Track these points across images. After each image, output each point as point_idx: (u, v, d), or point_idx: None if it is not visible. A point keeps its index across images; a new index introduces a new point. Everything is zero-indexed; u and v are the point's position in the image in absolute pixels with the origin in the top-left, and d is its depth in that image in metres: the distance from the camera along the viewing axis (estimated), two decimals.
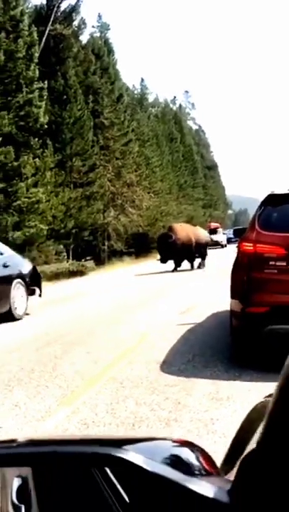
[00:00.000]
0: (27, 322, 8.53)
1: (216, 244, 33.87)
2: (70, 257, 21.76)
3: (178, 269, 17.63)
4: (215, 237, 35.13)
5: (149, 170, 32.48)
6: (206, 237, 19.64)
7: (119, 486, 0.70)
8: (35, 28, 19.41)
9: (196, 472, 0.68)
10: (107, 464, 0.70)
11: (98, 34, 30.20)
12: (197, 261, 18.44)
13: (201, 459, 0.71)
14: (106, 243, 25.63)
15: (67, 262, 20.71)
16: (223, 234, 36.87)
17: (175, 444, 0.78)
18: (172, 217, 35.87)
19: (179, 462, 0.69)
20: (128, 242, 26.72)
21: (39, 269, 17.73)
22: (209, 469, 0.69)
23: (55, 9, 23.87)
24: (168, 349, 5.67)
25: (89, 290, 13.70)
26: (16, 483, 0.86)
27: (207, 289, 10.88)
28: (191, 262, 18.19)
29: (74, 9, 25.01)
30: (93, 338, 6.60)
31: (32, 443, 0.84)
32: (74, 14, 25.09)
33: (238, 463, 0.58)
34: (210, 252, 26.98)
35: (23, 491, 0.82)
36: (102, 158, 25.33)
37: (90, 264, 20.95)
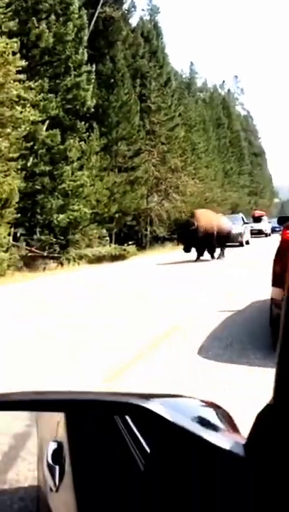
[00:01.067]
0: None
1: (260, 232, 33.21)
2: (113, 241, 21.89)
3: (201, 258, 17.07)
4: (259, 226, 34.37)
5: (195, 155, 32.16)
6: (229, 227, 18.83)
7: (138, 434, 0.74)
8: (85, 11, 19.41)
9: (215, 428, 0.70)
10: (132, 413, 0.74)
11: (148, 17, 29.91)
12: (217, 251, 17.68)
13: (222, 418, 0.74)
14: (148, 228, 25.62)
15: (110, 245, 20.85)
16: (269, 223, 36.08)
17: (200, 403, 0.80)
18: (216, 203, 35.47)
19: (200, 418, 0.71)
20: (170, 228, 26.60)
21: (81, 252, 18.10)
22: (229, 428, 0.71)
23: None
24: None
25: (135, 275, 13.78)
26: (52, 446, 0.92)
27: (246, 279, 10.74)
28: (212, 251, 17.42)
29: None
30: None
31: (65, 393, 0.90)
32: None
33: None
34: (252, 240, 26.74)
35: (57, 455, 0.88)
36: (148, 143, 25.22)
37: (132, 248, 21.01)
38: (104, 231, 21.27)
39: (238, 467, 0.57)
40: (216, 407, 0.79)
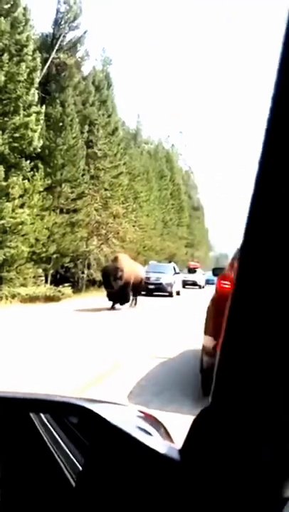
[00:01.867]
0: None
1: (194, 284, 33.34)
2: (48, 282, 21.60)
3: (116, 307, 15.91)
4: (193, 277, 34.65)
5: (137, 204, 32.74)
6: (142, 274, 18.08)
7: (77, 433, 0.75)
8: (39, 54, 19.82)
9: (151, 434, 0.72)
10: (72, 413, 0.77)
11: (100, 67, 30.83)
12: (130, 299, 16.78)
13: (159, 428, 0.76)
14: (86, 271, 25.53)
15: (45, 286, 20.54)
16: (202, 274, 36.59)
17: (140, 413, 0.82)
18: (155, 252, 36.02)
19: (138, 424, 0.73)
20: None
21: (14, 291, 17.68)
22: (165, 437, 0.74)
23: (61, 38, 24.42)
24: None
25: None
26: None
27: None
28: (126, 299, 16.35)
29: (79, 40, 25.59)
30: None
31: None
32: (78, 45, 25.66)
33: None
34: (185, 291, 26.86)
35: None
36: (92, 188, 25.49)
37: (68, 290, 20.79)
38: (40, 271, 20.98)
39: (173, 471, 0.59)
40: (153, 418, 0.81)
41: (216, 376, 0.57)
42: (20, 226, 17.64)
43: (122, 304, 15.99)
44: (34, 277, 20.40)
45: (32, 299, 17.89)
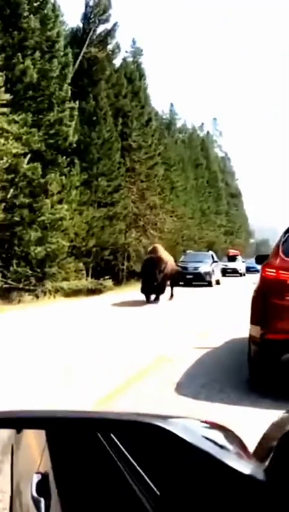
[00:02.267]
0: None
1: (234, 272, 32.92)
2: (90, 275, 21.80)
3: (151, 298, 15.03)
4: (233, 265, 34.22)
5: (173, 194, 32.63)
6: (175, 266, 16.95)
7: (125, 451, 0.73)
8: (71, 50, 19.91)
9: (229, 451, 0.67)
10: (146, 432, 0.69)
11: (131, 59, 30.73)
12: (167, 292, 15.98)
13: (233, 441, 0.70)
14: (125, 263, 25.64)
15: (87, 279, 20.75)
16: (243, 262, 36.15)
17: (206, 424, 0.77)
18: (193, 241, 35.83)
19: (211, 440, 0.68)
20: None
21: (57, 285, 17.93)
22: (241, 451, 0.68)
23: (91, 32, 24.42)
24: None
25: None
26: (36, 478, 0.89)
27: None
28: (163, 291, 15.41)
29: (109, 33, 25.54)
30: None
31: (47, 411, 0.87)
32: (109, 38, 25.60)
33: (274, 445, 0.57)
34: (225, 280, 26.55)
35: (42, 486, 0.86)
36: (128, 180, 25.53)
37: (109, 283, 20.94)
38: (81, 265, 21.20)
39: (259, 493, 0.55)
40: (225, 429, 0.76)
41: None
42: (59, 222, 17.83)
43: (158, 296, 15.10)
44: (76, 271, 20.62)
45: (75, 292, 18.12)
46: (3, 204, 15.14)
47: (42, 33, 17.82)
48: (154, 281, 14.49)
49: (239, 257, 36.99)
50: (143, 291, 14.84)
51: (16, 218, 16.63)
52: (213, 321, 10.51)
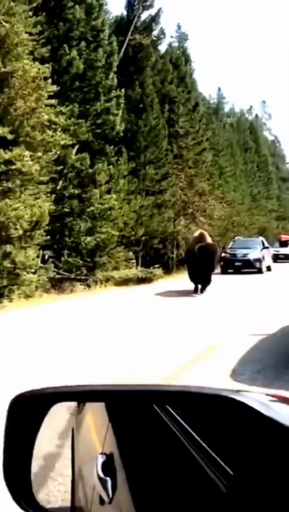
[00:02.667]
0: None
1: (286, 257, 31.93)
2: (139, 264, 21.87)
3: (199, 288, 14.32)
4: (286, 250, 33.19)
5: (222, 179, 32.16)
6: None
7: (190, 427, 0.69)
8: (115, 38, 19.84)
9: None
10: (217, 406, 0.64)
11: (176, 44, 30.37)
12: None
13: None
14: (175, 252, 25.54)
15: (136, 268, 20.82)
16: None
17: (274, 398, 0.70)
18: (244, 227, 35.26)
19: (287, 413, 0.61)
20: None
21: (108, 275, 18.09)
22: None
23: (135, 19, 24.26)
24: None
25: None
26: (100, 459, 0.91)
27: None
28: (210, 280, 14.47)
29: (154, 19, 25.30)
30: None
31: (105, 385, 0.85)
32: (153, 24, 25.37)
33: None
34: (277, 266, 25.77)
35: (106, 467, 0.86)
36: (175, 167, 25.33)
37: (158, 271, 20.93)
38: (130, 254, 21.29)
39: None
40: None
41: None
42: (108, 211, 17.92)
43: (204, 286, 14.30)
44: (125, 260, 20.73)
45: (125, 281, 18.22)
46: (54, 195, 15.34)
47: (87, 23, 17.83)
48: (210, 271, 14.04)
49: None
50: (192, 279, 14.28)
51: (66, 209, 16.84)
52: (265, 307, 10.29)
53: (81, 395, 0.82)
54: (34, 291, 14.10)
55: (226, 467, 0.63)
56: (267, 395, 0.73)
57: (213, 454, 0.68)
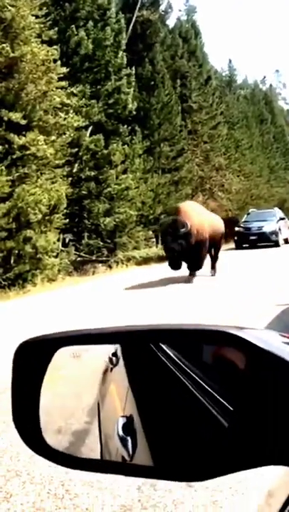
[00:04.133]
0: None
1: None
2: (159, 243, 21.87)
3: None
4: None
5: (239, 153, 31.79)
6: (221, 227, 13.10)
7: (176, 358, 0.73)
8: (122, 15, 19.59)
9: None
10: (214, 341, 0.67)
11: (185, 17, 29.89)
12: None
13: None
14: None
15: (157, 247, 20.85)
16: None
17: (286, 338, 0.71)
18: (263, 200, 34.87)
19: None
20: None
21: (128, 254, 18.17)
22: None
23: None
24: None
25: None
26: (121, 421, 0.95)
27: None
28: (199, 265, 11.83)
29: None
30: None
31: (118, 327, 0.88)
32: None
33: None
34: None
35: (127, 428, 0.89)
36: (190, 143, 25.13)
37: None
38: (150, 233, 21.30)
39: None
40: None
41: None
42: (125, 191, 17.92)
43: (192, 271, 11.70)
44: (145, 239, 20.77)
45: (146, 260, 18.29)
46: (70, 178, 15.38)
47: (93, 2, 17.65)
48: (170, 252, 11.02)
49: None
50: (169, 264, 11.23)
51: (84, 192, 16.89)
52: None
53: (85, 338, 0.84)
54: (57, 274, 14.25)
55: (226, 403, 0.66)
56: (280, 334, 0.73)
57: (212, 392, 0.71)
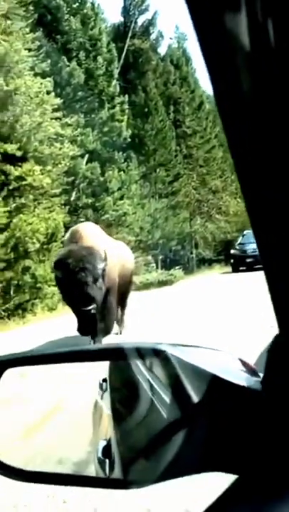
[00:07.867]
0: None
1: None
2: (159, 267, 21.84)
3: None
4: None
5: (235, 175, 31.91)
6: (131, 261, 9.98)
7: (148, 375, 0.81)
8: (114, 45, 19.96)
9: (231, 368, 0.71)
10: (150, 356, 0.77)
11: (176, 45, 30.38)
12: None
13: (237, 362, 0.75)
14: (194, 251, 25.48)
15: (157, 271, 20.79)
16: None
17: (210, 350, 0.81)
18: None
19: (214, 361, 0.72)
20: (216, 249, 26.37)
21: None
22: (246, 368, 0.73)
23: (133, 25, 24.37)
24: None
25: None
26: (102, 444, 1.00)
27: None
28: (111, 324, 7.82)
29: (151, 23, 25.42)
30: None
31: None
32: (151, 28, 25.50)
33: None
34: None
35: (107, 451, 0.95)
36: (186, 167, 25.33)
37: (179, 273, 20.86)
38: (149, 257, 21.27)
39: (257, 402, 0.59)
40: (237, 358, 0.79)
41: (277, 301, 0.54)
42: (123, 217, 17.99)
43: (106, 327, 7.50)
44: (145, 265, 20.71)
45: (146, 285, 18.20)
46: (68, 207, 15.44)
47: (84, 33, 17.99)
48: (88, 303, 6.55)
49: None
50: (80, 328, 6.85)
51: (81, 219, 16.90)
52: None
53: (29, 360, 0.89)
54: (57, 303, 14.17)
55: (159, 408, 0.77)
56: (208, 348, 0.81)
57: (155, 401, 0.81)
